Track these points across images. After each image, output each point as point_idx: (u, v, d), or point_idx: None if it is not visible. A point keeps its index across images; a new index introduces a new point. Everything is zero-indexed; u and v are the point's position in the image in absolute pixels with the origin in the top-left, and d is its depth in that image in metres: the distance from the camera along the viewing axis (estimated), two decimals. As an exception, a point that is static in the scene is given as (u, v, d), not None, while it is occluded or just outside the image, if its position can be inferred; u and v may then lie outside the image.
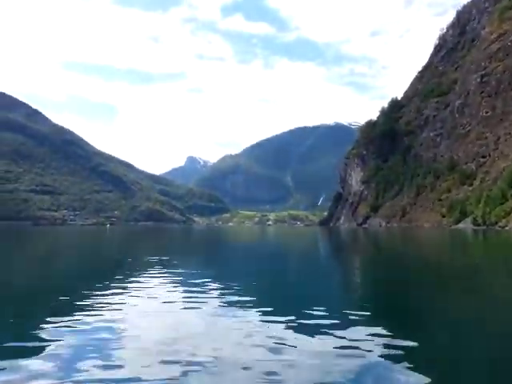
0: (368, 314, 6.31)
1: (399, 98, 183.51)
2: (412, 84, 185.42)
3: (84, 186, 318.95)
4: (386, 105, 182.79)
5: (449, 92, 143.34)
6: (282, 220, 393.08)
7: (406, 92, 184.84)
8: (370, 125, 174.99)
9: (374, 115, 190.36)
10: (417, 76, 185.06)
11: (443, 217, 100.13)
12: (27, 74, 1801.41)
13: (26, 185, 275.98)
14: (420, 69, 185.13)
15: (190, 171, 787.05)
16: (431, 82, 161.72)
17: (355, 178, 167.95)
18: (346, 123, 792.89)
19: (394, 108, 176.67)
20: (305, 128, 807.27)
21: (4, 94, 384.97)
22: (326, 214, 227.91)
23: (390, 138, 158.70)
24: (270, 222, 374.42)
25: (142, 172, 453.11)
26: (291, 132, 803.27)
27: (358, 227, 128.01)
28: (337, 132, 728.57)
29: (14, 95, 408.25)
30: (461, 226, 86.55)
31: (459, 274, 11.97)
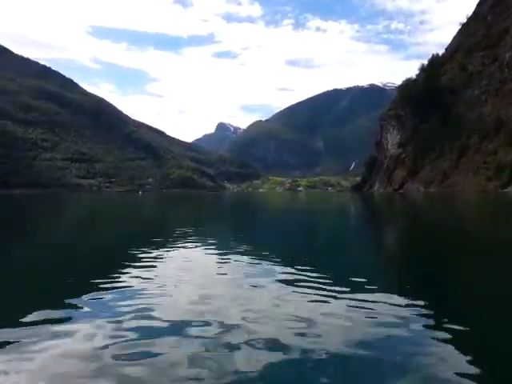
0: (395, 282, 6.26)
1: (440, 54, 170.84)
2: (455, 38, 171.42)
3: (118, 153, 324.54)
4: (425, 62, 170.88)
5: (497, 44, 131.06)
6: (313, 186, 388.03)
7: (448, 47, 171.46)
8: (409, 83, 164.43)
9: (410, 75, 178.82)
10: (460, 29, 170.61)
11: (489, 181, 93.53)
12: (55, 41, 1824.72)
13: (63, 153, 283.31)
14: (464, 21, 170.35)
15: (221, 138, 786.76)
16: (477, 35, 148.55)
17: (391, 141, 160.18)
18: (380, 84, 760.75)
19: (435, 65, 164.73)
20: (337, 90, 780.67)
21: (37, 63, 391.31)
22: (358, 179, 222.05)
23: (429, 97, 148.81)
24: (300, 188, 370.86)
25: (173, 139, 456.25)
26: (323, 95, 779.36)
27: (393, 193, 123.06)
28: (371, 94, 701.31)
29: (48, 64, 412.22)
30: (509, 189, 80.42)
31: (504, 245, 10.51)
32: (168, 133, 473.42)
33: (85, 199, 66.52)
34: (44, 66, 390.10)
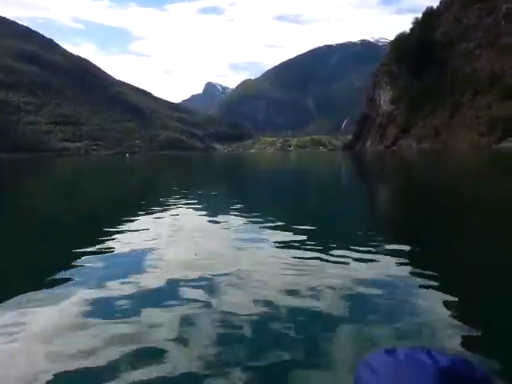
0: (386, 242, 6.09)
1: (435, 7, 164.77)
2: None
3: (103, 116, 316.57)
4: (419, 16, 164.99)
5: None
6: (304, 145, 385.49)
7: (443, 0, 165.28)
8: (402, 38, 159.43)
9: (402, 30, 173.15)
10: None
11: (482, 136, 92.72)
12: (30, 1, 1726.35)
13: (47, 116, 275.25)
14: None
15: (209, 98, 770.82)
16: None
17: (384, 98, 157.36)
18: (372, 40, 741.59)
19: (429, 18, 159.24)
20: (327, 47, 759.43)
21: (16, 23, 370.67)
22: (350, 137, 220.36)
23: (423, 51, 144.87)
24: (291, 148, 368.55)
25: (160, 100, 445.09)
26: (313, 52, 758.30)
27: (385, 150, 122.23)
28: (363, 50, 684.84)
29: (26, 24, 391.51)
30: (503, 145, 79.85)
31: (496, 203, 10.15)
32: (154, 93, 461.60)
33: (72, 163, 65.90)
34: (23, 26, 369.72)
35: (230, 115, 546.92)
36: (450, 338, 3.03)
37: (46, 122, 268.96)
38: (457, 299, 3.81)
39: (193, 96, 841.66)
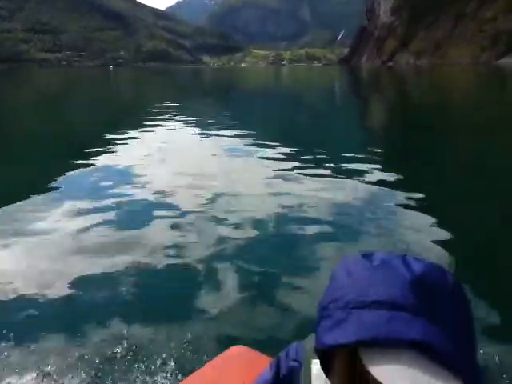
0: (378, 158, 6.19)
1: None
2: None
3: (84, 23, 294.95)
4: None
5: None
6: (298, 59, 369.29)
7: None
8: None
9: None
10: None
11: (483, 51, 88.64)
12: None
13: (23, 23, 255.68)
14: None
15: (198, 6, 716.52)
16: None
17: (384, 7, 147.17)
18: None
19: None
20: None
21: None
22: (345, 51, 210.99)
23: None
24: (284, 62, 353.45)
25: (143, 7, 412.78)
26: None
27: (381, 66, 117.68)
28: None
29: None
30: (503, 61, 76.76)
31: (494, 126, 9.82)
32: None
33: (53, 75, 64.43)
34: None
35: (220, 25, 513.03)
36: (427, 248, 3.18)
37: (22, 30, 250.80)
38: (439, 219, 3.78)
39: (178, 3, 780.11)
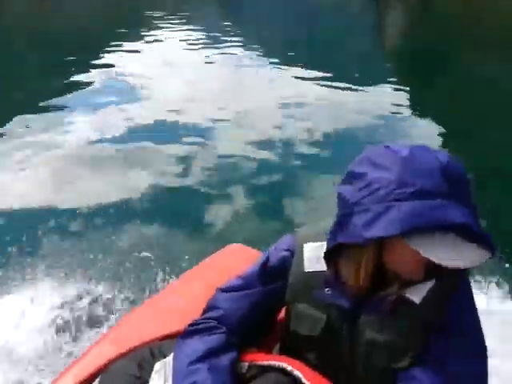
0: (391, 69, 6.14)
1: None
2: None
3: None
4: None
5: None
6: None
7: None
8: None
9: None
10: None
11: None
12: None
13: None
14: None
15: None
16: None
17: None
18: None
19: None
20: None
21: None
22: None
23: None
24: None
25: None
26: None
27: None
28: None
29: None
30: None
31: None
32: None
33: None
34: None
35: None
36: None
37: None
38: (448, 128, 4.05)
39: None
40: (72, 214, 2.62)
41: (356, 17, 15.34)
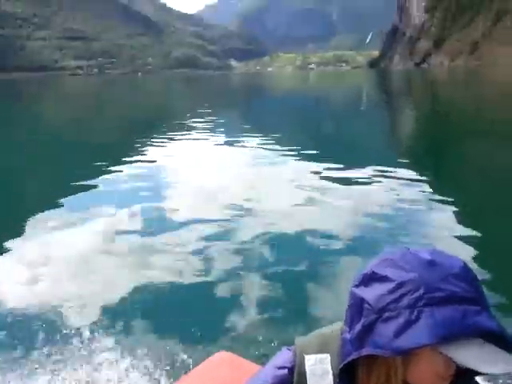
0: (404, 161, 6.20)
1: None
2: None
3: (115, 29, 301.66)
4: None
5: None
6: (326, 63, 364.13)
7: None
8: None
9: None
10: None
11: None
12: None
13: (57, 30, 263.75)
14: None
15: (225, 8, 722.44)
16: None
17: (417, 6, 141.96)
18: None
19: None
20: None
21: None
22: (376, 53, 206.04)
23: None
24: (312, 66, 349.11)
25: (173, 11, 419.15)
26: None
27: (415, 68, 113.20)
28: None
29: None
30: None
31: None
32: (168, 4, 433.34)
33: (84, 83, 66.29)
34: None
35: (248, 28, 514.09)
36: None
37: (56, 37, 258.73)
38: (467, 221, 3.83)
39: (207, 6, 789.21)
40: (62, 315, 2.58)
41: (366, 113, 15.94)
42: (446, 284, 0.55)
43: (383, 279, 0.58)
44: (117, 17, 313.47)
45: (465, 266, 0.57)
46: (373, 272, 0.60)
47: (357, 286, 0.60)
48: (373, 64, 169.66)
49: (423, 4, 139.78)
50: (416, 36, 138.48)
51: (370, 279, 0.59)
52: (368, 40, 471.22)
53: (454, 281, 0.55)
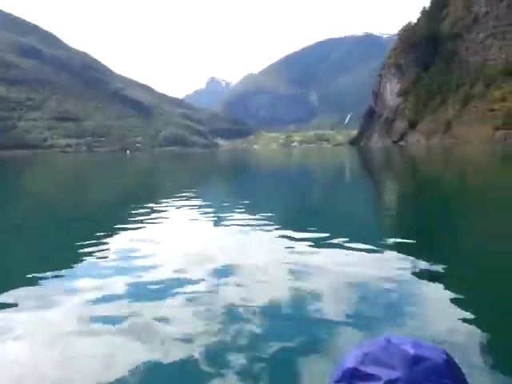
0: (396, 240, 6.02)
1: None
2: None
3: (106, 111, 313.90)
4: (427, 4, 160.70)
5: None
6: (308, 141, 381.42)
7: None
8: (409, 28, 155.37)
9: (409, 21, 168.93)
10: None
11: (497, 129, 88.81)
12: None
13: (48, 112, 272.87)
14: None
15: (212, 93, 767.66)
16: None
17: (391, 91, 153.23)
18: (377, 33, 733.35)
19: (437, 7, 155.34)
20: (330, 40, 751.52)
21: (11, 15, 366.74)
22: (354, 132, 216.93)
23: (431, 42, 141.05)
24: (295, 144, 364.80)
25: (163, 96, 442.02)
26: (316, 46, 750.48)
27: (393, 145, 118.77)
28: (366, 43, 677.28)
29: (21, 17, 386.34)
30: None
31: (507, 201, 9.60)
32: (157, 89, 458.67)
33: (73, 160, 65.85)
34: (18, 19, 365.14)
35: (234, 110, 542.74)
36: (448, 333, 3.01)
37: (47, 118, 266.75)
38: (460, 297, 3.70)
39: (196, 91, 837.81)
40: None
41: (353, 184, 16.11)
42: (430, 381, 0.54)
43: (368, 377, 0.55)
44: (108, 100, 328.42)
45: (448, 360, 0.56)
46: (355, 368, 0.56)
47: (337, 382, 0.57)
48: (353, 142, 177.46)
49: (395, 91, 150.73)
50: (392, 117, 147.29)
51: (352, 376, 0.56)
52: (347, 121, 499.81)
53: (438, 378, 0.54)
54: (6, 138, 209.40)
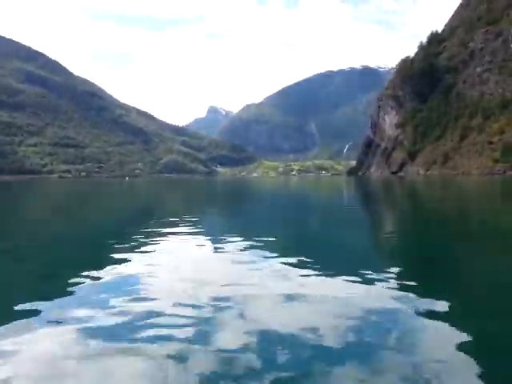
0: (391, 267, 5.91)
1: (440, 31, 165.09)
2: (455, 13, 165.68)
3: (106, 138, 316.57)
4: (423, 40, 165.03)
5: (501, 19, 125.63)
6: (307, 170, 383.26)
7: (448, 23, 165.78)
8: (407, 62, 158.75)
9: (404, 55, 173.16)
10: (461, 3, 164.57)
11: (496, 162, 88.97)
12: (35, 22, 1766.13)
13: (50, 138, 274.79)
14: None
15: (212, 122, 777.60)
16: (479, 9, 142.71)
17: (389, 122, 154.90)
18: (374, 66, 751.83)
19: (434, 42, 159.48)
20: (329, 73, 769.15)
21: (18, 43, 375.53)
22: (353, 162, 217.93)
23: (429, 76, 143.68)
24: (294, 172, 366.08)
25: (163, 123, 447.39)
26: (315, 77, 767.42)
27: (391, 176, 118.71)
28: (364, 76, 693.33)
29: (28, 44, 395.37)
30: (519, 171, 75.95)
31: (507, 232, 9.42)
32: (158, 117, 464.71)
33: (72, 186, 65.44)
34: (24, 46, 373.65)
35: (233, 139, 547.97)
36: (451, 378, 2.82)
37: (48, 144, 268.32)
38: (463, 334, 3.53)
39: (196, 120, 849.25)
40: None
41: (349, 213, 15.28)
42: None
43: None
44: (109, 127, 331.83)
45: None
46: None
47: None
48: (351, 172, 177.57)
49: (394, 122, 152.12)
50: (391, 148, 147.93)
51: None
52: (345, 151, 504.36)
53: None
54: (5, 163, 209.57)
